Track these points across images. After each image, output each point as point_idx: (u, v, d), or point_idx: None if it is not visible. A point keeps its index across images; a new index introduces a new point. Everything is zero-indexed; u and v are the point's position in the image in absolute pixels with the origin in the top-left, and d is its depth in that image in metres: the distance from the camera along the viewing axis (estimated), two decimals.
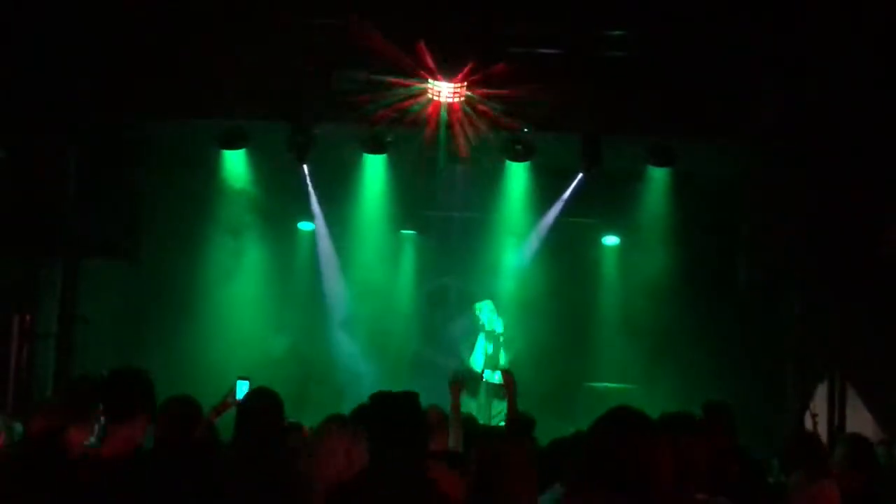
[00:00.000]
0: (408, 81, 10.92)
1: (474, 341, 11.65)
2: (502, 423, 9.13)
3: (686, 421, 5.20)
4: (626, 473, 3.40)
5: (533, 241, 13.04)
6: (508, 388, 7.70)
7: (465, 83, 10.89)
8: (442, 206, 13.22)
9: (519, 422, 7.31)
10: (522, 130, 11.39)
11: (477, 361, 11.48)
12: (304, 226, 13.47)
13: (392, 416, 4.79)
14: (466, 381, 8.85)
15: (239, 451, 5.34)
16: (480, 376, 11.27)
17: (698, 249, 12.47)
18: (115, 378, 5.32)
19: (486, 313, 11.76)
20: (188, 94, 10.81)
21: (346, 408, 6.87)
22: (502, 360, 11.31)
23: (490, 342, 11.56)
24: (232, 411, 7.21)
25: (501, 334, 11.50)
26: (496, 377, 8.43)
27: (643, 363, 12.41)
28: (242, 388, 7.11)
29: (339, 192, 12.87)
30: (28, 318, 11.02)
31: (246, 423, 5.39)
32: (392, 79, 10.85)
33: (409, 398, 4.92)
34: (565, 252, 13.00)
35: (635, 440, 3.43)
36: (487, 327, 11.62)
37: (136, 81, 10.74)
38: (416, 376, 12.54)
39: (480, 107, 11.10)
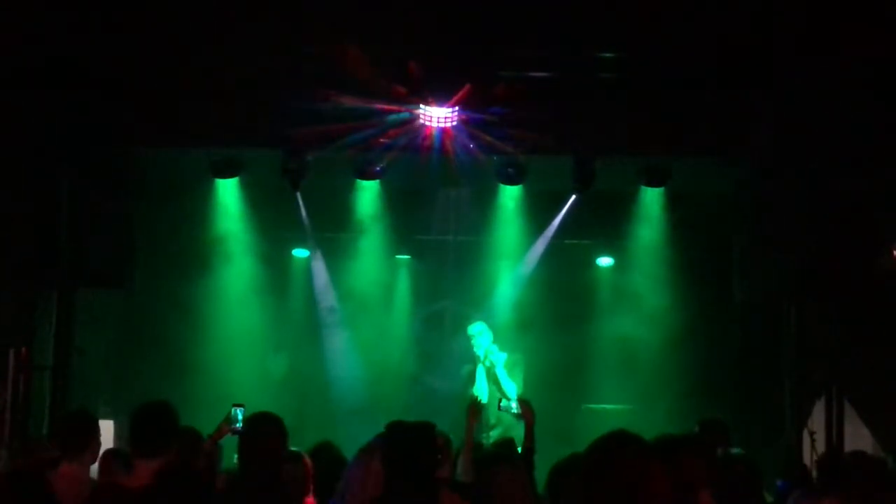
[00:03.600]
0: (399, 106, 10.95)
1: (474, 370, 11.60)
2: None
3: (683, 441, 5.19)
4: (623, 498, 3.38)
5: (527, 264, 13.05)
6: (527, 417, 7.71)
7: (457, 107, 10.91)
8: (436, 230, 13.23)
9: (532, 451, 7.35)
10: (515, 153, 11.41)
11: (481, 392, 11.40)
12: (298, 253, 13.48)
13: (407, 447, 4.80)
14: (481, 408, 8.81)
15: (243, 479, 5.30)
16: (488, 406, 11.23)
17: (693, 268, 12.48)
18: (145, 413, 5.29)
19: (480, 340, 11.64)
20: (180, 122, 10.82)
21: (342, 433, 6.86)
22: (506, 387, 11.25)
23: (487, 371, 11.50)
24: (230, 437, 7.23)
25: (491, 361, 11.42)
26: (513, 406, 8.35)
27: (640, 383, 12.41)
28: (238, 415, 7.12)
29: (333, 218, 12.88)
30: (24, 350, 10.98)
31: (249, 450, 5.36)
32: (384, 104, 10.89)
33: (425, 429, 4.94)
34: (560, 274, 13.01)
35: (631, 464, 3.42)
36: (481, 357, 11.55)
37: (128, 110, 10.76)
38: (413, 401, 12.53)
39: (472, 130, 11.12)
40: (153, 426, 5.35)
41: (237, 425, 7.15)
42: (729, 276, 11.76)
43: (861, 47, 10.11)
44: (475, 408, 7.84)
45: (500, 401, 8.79)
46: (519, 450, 7.49)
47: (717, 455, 6.08)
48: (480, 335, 11.58)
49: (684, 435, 5.33)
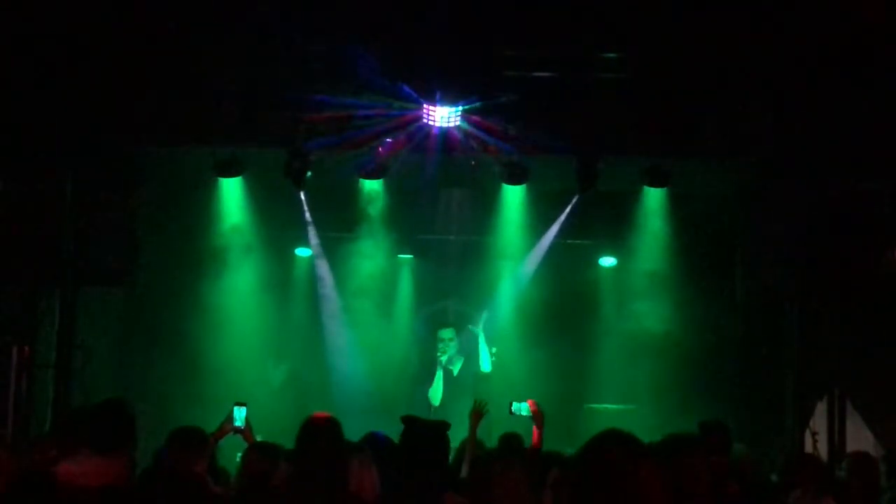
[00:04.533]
0: (404, 106, 10.96)
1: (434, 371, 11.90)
2: None
3: (685, 442, 5.19)
4: (613, 499, 3.38)
5: (530, 264, 13.05)
6: (537, 420, 7.82)
7: (461, 107, 10.92)
8: (439, 229, 13.24)
9: (539, 452, 7.45)
10: (518, 153, 11.42)
11: (436, 395, 11.66)
12: (301, 252, 13.49)
13: (417, 443, 4.83)
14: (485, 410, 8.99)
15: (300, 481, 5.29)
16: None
17: (695, 269, 12.47)
18: (100, 411, 5.28)
19: (448, 346, 11.91)
20: (184, 121, 10.84)
21: (344, 430, 6.82)
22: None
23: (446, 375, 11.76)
24: (230, 437, 7.24)
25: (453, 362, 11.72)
26: (524, 409, 8.47)
27: (642, 383, 12.39)
28: (240, 414, 7.13)
29: (336, 217, 12.89)
30: (27, 348, 11.00)
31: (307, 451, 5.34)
32: (388, 104, 10.90)
33: (439, 428, 4.96)
34: (562, 274, 13.00)
35: (621, 465, 3.42)
36: (443, 362, 11.81)
37: (132, 109, 10.78)
38: (414, 399, 12.55)
39: (476, 131, 11.13)
40: (111, 424, 5.34)
41: (238, 424, 7.17)
42: (731, 277, 11.77)
43: (859, 50, 10.13)
44: (479, 410, 7.99)
45: (511, 404, 8.85)
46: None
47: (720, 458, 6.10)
48: (451, 342, 11.85)
49: (686, 437, 5.32)
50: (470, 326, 12.11)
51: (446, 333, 12.26)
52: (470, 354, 12.37)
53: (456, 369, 11.96)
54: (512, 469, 5.18)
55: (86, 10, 10.29)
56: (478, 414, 8.06)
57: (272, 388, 12.77)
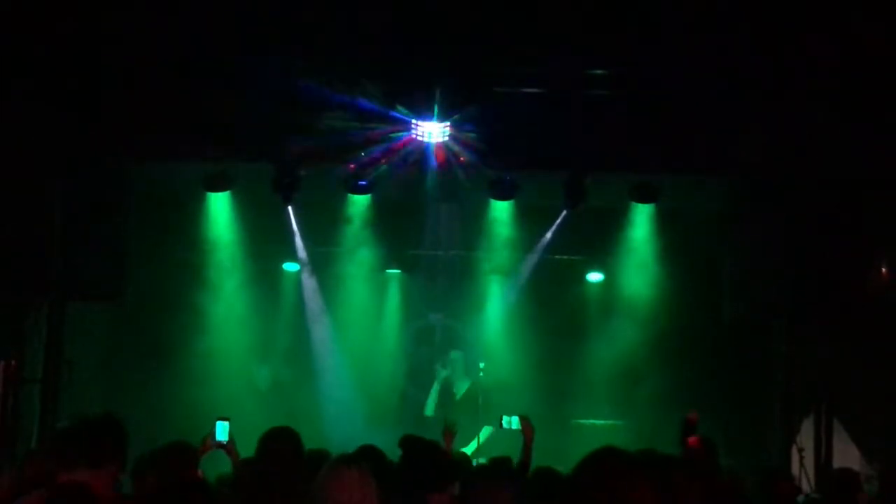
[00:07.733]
0: (393, 121, 10.98)
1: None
2: None
3: (674, 460, 5.20)
4: None
5: (518, 279, 13.07)
6: (526, 434, 7.89)
7: (450, 123, 10.94)
8: (427, 244, 13.25)
9: (528, 466, 7.52)
10: (506, 169, 11.44)
11: (430, 406, 11.60)
12: (289, 266, 13.48)
13: (419, 461, 4.87)
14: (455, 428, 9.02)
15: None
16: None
17: (683, 286, 12.50)
18: (86, 426, 5.25)
19: (454, 367, 11.81)
20: (173, 136, 10.83)
21: (331, 444, 6.83)
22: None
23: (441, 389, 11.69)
24: (214, 452, 7.22)
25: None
26: (514, 423, 8.51)
27: (629, 399, 12.41)
28: (222, 429, 7.11)
29: (324, 232, 12.89)
30: (14, 363, 10.96)
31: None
32: (377, 119, 10.91)
33: (434, 446, 5.00)
34: (550, 289, 13.04)
35: (616, 483, 3.42)
36: (441, 377, 11.72)
37: (121, 123, 10.77)
38: (402, 414, 12.55)
39: (465, 146, 11.15)
40: (105, 439, 5.32)
41: (221, 439, 7.15)
42: (719, 293, 11.78)
43: (848, 69, 10.19)
44: (449, 430, 8.10)
45: (501, 417, 8.90)
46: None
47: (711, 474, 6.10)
48: (455, 363, 11.74)
49: (668, 457, 5.32)
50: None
51: (455, 354, 12.28)
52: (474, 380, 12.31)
53: (460, 392, 11.75)
54: (495, 488, 5.21)
55: (75, 25, 10.30)
56: (449, 434, 8.18)
57: (262, 395, 12.75)
